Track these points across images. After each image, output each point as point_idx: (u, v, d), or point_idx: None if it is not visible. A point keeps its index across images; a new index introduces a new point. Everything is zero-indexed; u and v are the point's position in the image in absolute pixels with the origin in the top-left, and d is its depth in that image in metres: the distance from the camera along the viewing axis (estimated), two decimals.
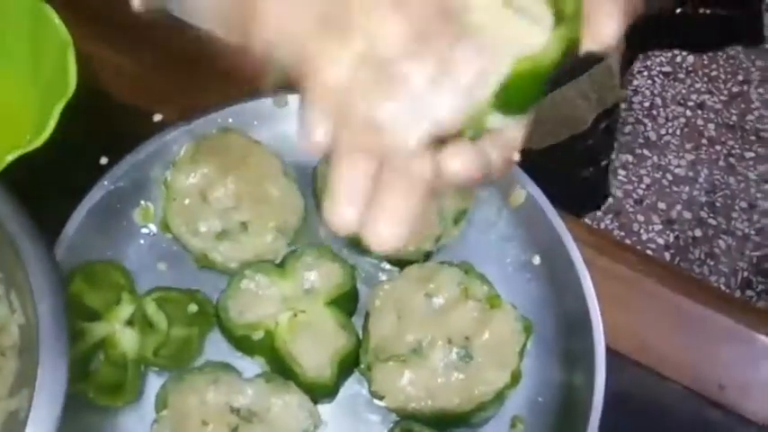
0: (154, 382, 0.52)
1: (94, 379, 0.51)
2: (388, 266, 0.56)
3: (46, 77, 0.58)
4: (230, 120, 0.57)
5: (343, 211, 0.31)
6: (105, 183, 0.54)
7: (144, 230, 0.56)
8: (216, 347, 0.53)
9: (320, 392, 0.51)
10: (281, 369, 0.51)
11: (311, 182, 0.56)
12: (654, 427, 0.54)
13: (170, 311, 0.52)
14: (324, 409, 0.52)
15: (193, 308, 0.53)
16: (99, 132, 0.58)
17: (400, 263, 0.55)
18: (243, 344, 0.52)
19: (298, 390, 0.50)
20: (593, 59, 0.70)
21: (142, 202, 0.56)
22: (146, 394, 0.52)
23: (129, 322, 0.52)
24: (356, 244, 0.55)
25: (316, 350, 0.51)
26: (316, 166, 0.56)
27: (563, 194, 0.55)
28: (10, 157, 0.51)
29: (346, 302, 0.54)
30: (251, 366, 0.53)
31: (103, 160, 0.56)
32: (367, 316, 0.53)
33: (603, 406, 0.50)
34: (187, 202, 0.54)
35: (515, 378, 0.51)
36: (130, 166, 0.55)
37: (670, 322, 0.56)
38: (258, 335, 0.51)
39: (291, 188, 0.55)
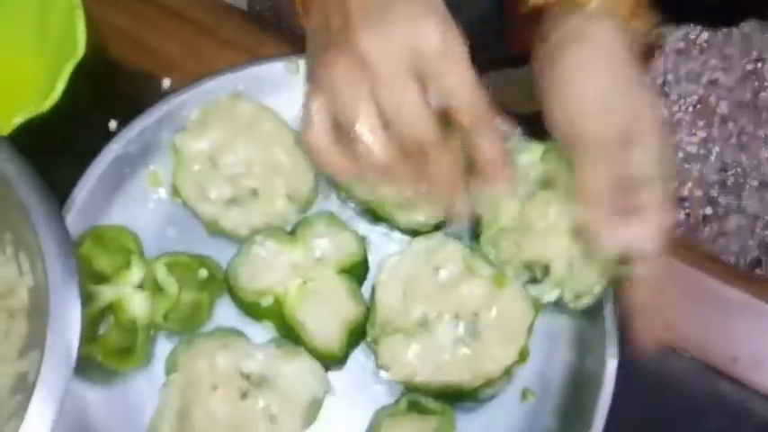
0: (163, 347, 0.52)
1: (104, 342, 0.51)
2: (398, 236, 0.56)
3: (54, 40, 0.57)
4: (240, 85, 0.56)
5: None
6: (114, 146, 0.54)
7: (153, 195, 0.56)
8: (225, 313, 0.53)
9: (328, 361, 0.51)
10: (290, 336, 0.51)
11: None
12: (666, 400, 0.54)
13: (180, 276, 0.52)
14: (331, 377, 0.52)
15: (203, 273, 0.53)
16: (107, 97, 0.58)
17: (411, 232, 0.55)
18: (252, 310, 0.52)
19: (308, 356, 0.50)
20: None
21: (151, 166, 0.56)
22: (155, 358, 0.52)
23: (139, 286, 0.52)
24: (367, 213, 0.55)
25: (325, 318, 0.51)
26: None
27: None
28: (18, 120, 0.51)
29: (357, 271, 0.53)
30: (260, 333, 0.52)
31: (112, 125, 0.56)
32: (374, 289, 0.52)
33: (616, 379, 0.50)
34: (196, 167, 0.54)
35: (523, 355, 0.51)
36: (140, 130, 0.54)
37: (683, 296, 0.56)
38: (267, 301, 0.51)
39: (302, 156, 0.55)
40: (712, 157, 1.36)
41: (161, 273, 0.52)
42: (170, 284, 0.52)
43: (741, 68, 1.36)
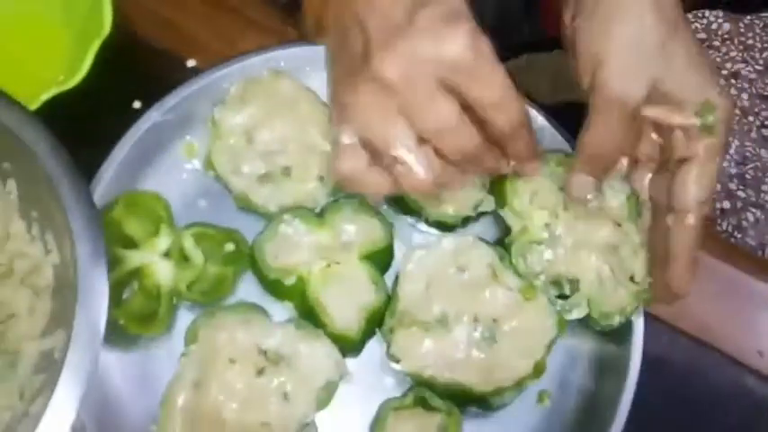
0: (185, 317, 0.53)
1: (127, 307, 0.51)
2: (425, 228, 0.55)
3: (80, 17, 0.57)
4: (282, 63, 0.56)
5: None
6: (154, 114, 0.54)
7: (188, 166, 0.56)
8: (248, 289, 0.54)
9: (345, 346, 0.51)
10: (310, 317, 0.51)
11: None
12: (691, 394, 0.54)
13: (207, 248, 0.53)
14: (348, 363, 0.52)
15: (230, 247, 0.53)
16: (131, 76, 0.58)
17: (439, 225, 0.54)
18: (274, 287, 0.52)
19: (326, 339, 0.50)
20: None
21: (188, 137, 0.56)
22: (176, 328, 0.53)
23: (166, 254, 0.52)
24: (397, 202, 0.55)
25: (346, 303, 0.51)
26: None
27: None
28: (45, 96, 0.51)
29: (381, 259, 0.53)
30: (280, 311, 0.53)
31: (137, 104, 0.56)
32: (397, 279, 0.52)
33: (641, 370, 0.50)
34: (232, 141, 0.54)
35: (539, 370, 0.51)
36: (179, 99, 0.54)
37: (709, 289, 0.55)
38: (290, 280, 0.51)
39: None
40: (731, 151, 1.36)
41: (188, 243, 0.52)
42: (196, 255, 0.52)
43: (763, 60, 1.34)
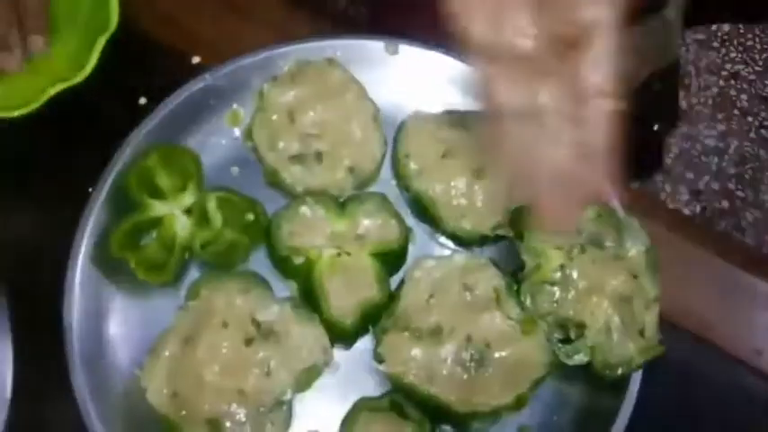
0: (194, 275, 0.54)
1: (141, 252, 0.53)
2: (442, 239, 0.55)
3: (86, 13, 0.57)
4: (339, 53, 0.57)
5: None
6: (207, 76, 0.56)
7: (229, 133, 0.58)
8: (258, 263, 0.55)
9: (337, 334, 0.51)
10: (309, 300, 0.52)
11: (395, 133, 0.56)
12: (689, 392, 0.54)
13: (228, 213, 0.54)
14: (336, 353, 0.52)
15: (250, 217, 0.54)
16: (137, 73, 0.59)
17: (455, 238, 0.54)
18: (283, 264, 0.53)
19: (319, 324, 0.51)
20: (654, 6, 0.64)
21: (235, 105, 0.58)
22: (182, 284, 0.54)
23: (188, 211, 0.54)
24: (418, 209, 0.55)
25: (346, 293, 0.51)
26: (404, 120, 0.56)
27: None
28: (52, 91, 0.52)
29: (392, 259, 0.54)
30: (283, 290, 0.53)
31: (142, 101, 0.58)
32: (402, 282, 0.52)
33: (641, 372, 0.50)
34: (275, 117, 0.55)
35: (519, 403, 0.50)
36: (234, 68, 0.56)
37: (708, 286, 0.55)
38: (299, 260, 0.52)
39: (375, 134, 0.55)
40: (731, 151, 1.33)
41: (211, 205, 0.54)
42: (216, 218, 0.53)
43: (763, 61, 1.31)
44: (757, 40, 1.37)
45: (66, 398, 0.49)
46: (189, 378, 0.49)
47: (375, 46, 0.57)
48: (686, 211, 1.22)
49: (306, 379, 0.50)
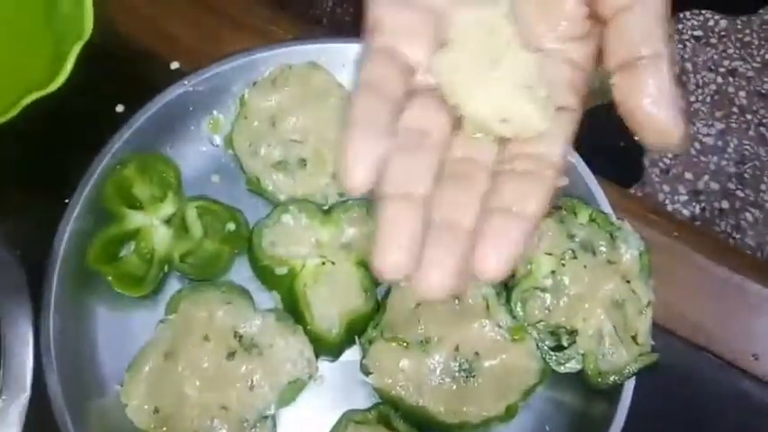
0: (174, 288, 0.53)
1: (119, 265, 0.52)
2: None
3: (61, 18, 0.56)
4: (321, 57, 0.56)
5: (392, 258, 0.29)
6: (186, 83, 0.54)
7: (209, 140, 0.56)
8: (240, 273, 0.53)
9: (322, 347, 0.50)
10: (293, 311, 0.50)
11: None
12: (686, 398, 0.53)
13: (208, 223, 0.52)
14: (322, 366, 0.51)
15: (231, 226, 0.53)
16: (114, 79, 0.57)
17: None
18: (265, 274, 0.52)
19: (304, 336, 0.49)
20: None
21: (215, 111, 0.56)
22: (163, 297, 0.53)
23: (168, 221, 0.52)
24: None
25: (331, 304, 0.50)
26: None
27: (598, 164, 0.52)
28: (26, 101, 0.50)
29: None
30: (266, 301, 0.52)
31: (119, 108, 0.56)
32: (389, 291, 0.51)
33: (637, 376, 0.49)
34: (256, 123, 0.54)
35: (510, 413, 0.49)
36: (213, 74, 0.55)
37: (704, 291, 0.54)
38: (281, 270, 0.51)
39: None
40: (730, 149, 1.32)
41: (191, 215, 0.52)
42: (196, 228, 0.52)
43: (761, 58, 1.30)
44: (755, 35, 1.36)
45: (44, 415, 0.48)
46: (170, 393, 0.48)
47: (354, 49, 0.55)
48: (685, 212, 1.21)
49: (290, 393, 0.49)
